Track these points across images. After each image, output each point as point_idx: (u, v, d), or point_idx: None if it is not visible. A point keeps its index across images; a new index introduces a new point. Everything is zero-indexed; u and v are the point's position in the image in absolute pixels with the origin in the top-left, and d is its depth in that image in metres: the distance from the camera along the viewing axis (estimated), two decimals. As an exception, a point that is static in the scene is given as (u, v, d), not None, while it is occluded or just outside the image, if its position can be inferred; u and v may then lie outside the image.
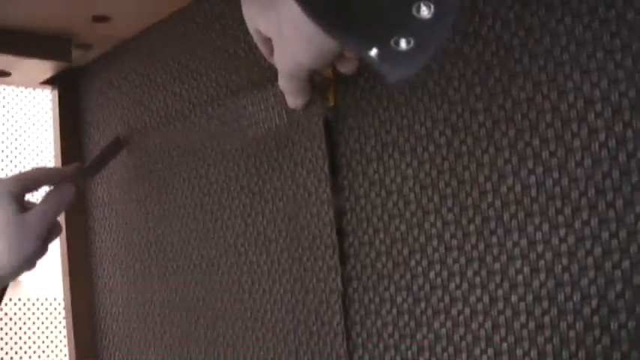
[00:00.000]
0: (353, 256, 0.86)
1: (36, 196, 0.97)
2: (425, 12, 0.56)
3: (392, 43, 0.56)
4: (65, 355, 2.22)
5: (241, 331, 0.99)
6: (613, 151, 0.67)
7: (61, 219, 1.24)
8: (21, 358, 2.21)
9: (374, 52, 0.56)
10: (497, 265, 0.74)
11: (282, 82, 0.81)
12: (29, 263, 0.90)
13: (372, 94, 0.84)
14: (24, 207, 0.91)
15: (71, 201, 0.96)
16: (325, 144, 0.88)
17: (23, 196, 0.92)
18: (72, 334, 1.24)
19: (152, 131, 1.13)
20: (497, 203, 0.74)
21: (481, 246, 0.75)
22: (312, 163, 0.89)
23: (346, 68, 0.81)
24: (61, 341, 2.27)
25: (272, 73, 0.84)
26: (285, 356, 0.93)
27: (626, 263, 0.66)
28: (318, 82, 0.84)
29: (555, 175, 0.70)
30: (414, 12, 0.56)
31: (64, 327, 1.28)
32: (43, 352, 2.27)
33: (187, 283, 1.07)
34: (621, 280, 0.66)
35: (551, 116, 0.70)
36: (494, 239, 0.74)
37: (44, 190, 0.97)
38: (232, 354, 1.00)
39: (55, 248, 1.27)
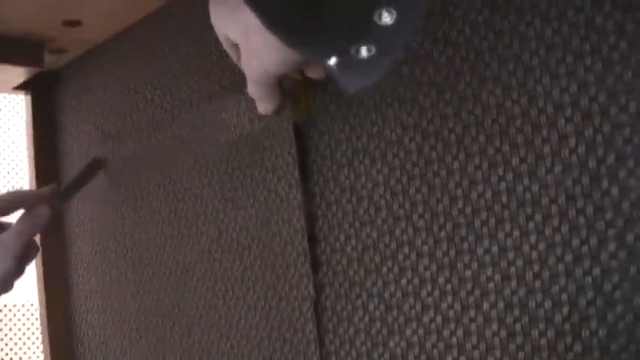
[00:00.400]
0: (325, 262, 0.85)
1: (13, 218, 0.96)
2: (387, 18, 0.55)
3: (352, 51, 0.54)
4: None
5: (216, 338, 0.98)
6: (583, 157, 0.66)
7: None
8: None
9: (333, 61, 0.55)
10: (468, 273, 0.73)
11: (251, 88, 0.80)
12: (5, 284, 0.89)
13: (341, 100, 0.83)
14: (2, 228, 0.91)
15: (47, 222, 0.95)
16: (296, 149, 0.87)
17: None
18: (48, 339, 1.23)
19: (126, 136, 1.12)
20: (468, 210, 0.73)
21: (452, 253, 0.75)
22: (282, 168, 0.88)
23: (315, 74, 0.80)
24: (37, 347, 2.26)
25: (243, 78, 0.83)
26: (259, 363, 0.93)
27: (596, 270, 0.65)
28: (288, 87, 0.83)
29: (526, 181, 0.69)
30: (376, 19, 0.54)
31: (41, 333, 1.27)
32: (20, 358, 2.26)
33: (162, 290, 1.06)
34: (592, 287, 0.65)
35: (521, 121, 0.70)
36: (465, 246, 0.74)
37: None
38: (207, 358, 0.99)
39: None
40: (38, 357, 2.25)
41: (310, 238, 0.86)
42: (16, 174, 2.09)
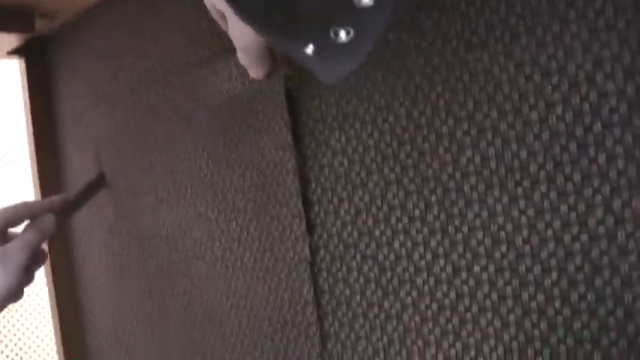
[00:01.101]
0: (319, 225, 0.86)
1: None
2: (366, 0, 0.54)
3: (331, 34, 0.54)
4: (52, 350, 2.24)
5: (216, 298, 0.99)
6: (570, 124, 0.66)
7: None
8: (12, 351, 2.23)
9: (310, 49, 0.54)
10: (459, 236, 0.74)
11: (240, 56, 0.80)
12: (14, 294, 0.90)
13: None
14: (6, 239, 0.92)
15: (53, 232, 0.96)
16: (287, 113, 0.87)
17: (5, 230, 0.92)
18: (58, 327, 1.25)
19: (118, 99, 1.12)
20: (458, 175, 0.74)
21: (443, 217, 0.75)
22: (275, 132, 0.89)
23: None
24: (46, 335, 2.29)
25: (233, 44, 0.82)
26: (259, 322, 0.94)
27: (584, 236, 0.66)
28: (277, 51, 0.83)
29: (514, 147, 0.70)
30: (355, 1, 0.54)
31: (52, 317, 1.29)
32: (29, 347, 2.29)
33: (161, 253, 1.08)
34: (580, 252, 0.66)
35: (509, 88, 0.70)
36: (455, 210, 0.74)
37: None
38: (208, 320, 1.01)
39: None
40: (48, 345, 2.28)
41: (304, 200, 0.87)
42: (18, 139, 2.09)
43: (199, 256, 1.01)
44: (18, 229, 0.96)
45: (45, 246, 0.99)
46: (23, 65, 1.26)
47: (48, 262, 1.24)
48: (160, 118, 1.05)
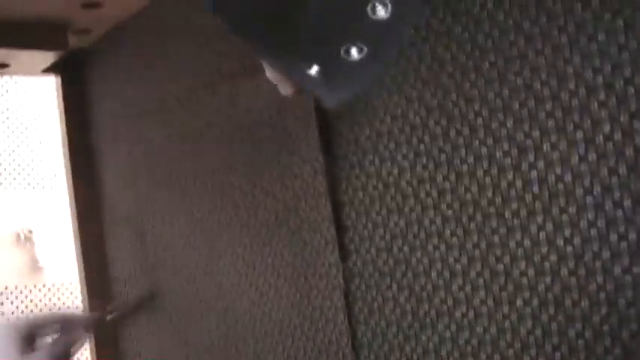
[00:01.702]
0: (354, 251, 0.81)
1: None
2: (381, 12, 0.49)
3: (342, 52, 0.49)
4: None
5: (249, 325, 0.95)
6: (619, 144, 0.60)
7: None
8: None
9: (314, 69, 0.49)
10: (500, 266, 0.69)
11: (269, 71, 0.76)
12: None
13: (366, 82, 0.78)
14: (33, 348, 0.88)
15: (81, 347, 0.93)
16: (318, 133, 0.82)
17: (33, 338, 0.88)
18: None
19: (152, 115, 1.09)
20: (498, 200, 0.68)
21: (483, 245, 0.70)
22: (306, 152, 0.84)
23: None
24: None
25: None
26: (293, 351, 0.89)
27: (637, 268, 0.60)
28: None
29: (558, 170, 0.64)
30: (369, 12, 0.48)
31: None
32: None
33: (195, 276, 1.04)
34: (631, 285, 0.60)
35: (551, 105, 0.64)
36: (496, 238, 0.69)
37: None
38: (242, 345, 0.97)
39: (69, 233, 1.24)
40: None
41: (338, 225, 0.82)
42: (53, 157, 2.07)
43: (232, 282, 0.97)
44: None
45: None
46: (59, 82, 1.23)
47: (79, 253, 1.21)
48: (191, 138, 1.01)
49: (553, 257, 0.65)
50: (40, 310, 1.93)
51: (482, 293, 0.70)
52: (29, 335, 0.88)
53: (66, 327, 0.92)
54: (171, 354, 1.11)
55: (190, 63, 1.01)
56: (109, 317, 1.03)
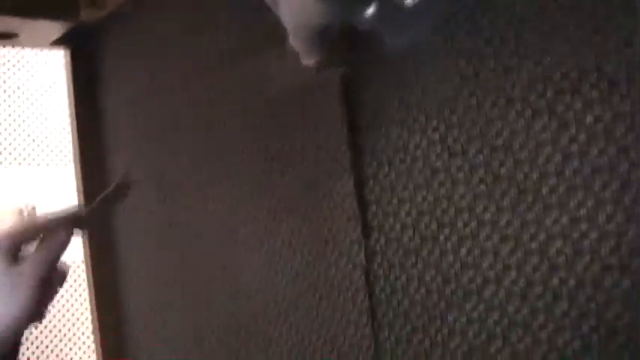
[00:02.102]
0: (377, 228, 0.78)
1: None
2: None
3: None
4: (87, 319, 2.19)
5: (261, 305, 0.92)
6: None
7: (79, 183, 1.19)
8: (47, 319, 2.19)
9: (370, 11, 0.46)
10: (534, 245, 0.65)
11: (292, 41, 0.73)
12: (33, 315, 0.84)
13: (394, 52, 0.75)
14: (18, 261, 0.84)
15: (67, 247, 0.89)
16: (343, 104, 0.79)
17: (16, 249, 0.84)
18: (94, 300, 1.19)
19: (167, 89, 1.05)
20: (535, 175, 0.65)
21: (517, 222, 0.67)
22: (329, 125, 0.81)
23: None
24: (81, 304, 2.25)
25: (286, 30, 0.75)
26: (307, 333, 0.86)
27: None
28: (332, 37, 0.75)
29: (601, 143, 0.61)
30: None
31: (87, 294, 1.23)
32: (63, 316, 2.24)
33: (206, 254, 1.00)
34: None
35: (595, 76, 0.61)
36: (531, 215, 0.65)
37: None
38: (254, 327, 0.94)
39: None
40: (83, 314, 2.23)
41: (360, 200, 0.79)
42: (59, 133, 2.03)
43: (245, 260, 0.93)
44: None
45: (62, 261, 0.92)
46: (68, 56, 1.20)
47: (88, 256, 1.18)
48: (209, 110, 0.98)
49: (593, 235, 0.62)
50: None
51: (513, 273, 0.67)
52: (12, 247, 0.83)
53: (47, 230, 0.89)
54: (178, 332, 1.08)
55: (209, 36, 0.97)
56: (87, 209, 0.99)
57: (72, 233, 0.88)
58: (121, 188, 1.04)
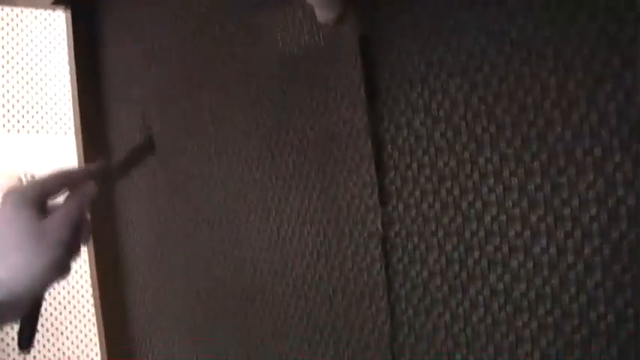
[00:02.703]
0: (395, 194, 0.74)
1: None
2: None
3: None
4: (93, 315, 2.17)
5: (271, 278, 0.88)
6: None
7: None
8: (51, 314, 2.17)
9: None
10: (566, 211, 0.61)
11: None
12: (61, 269, 0.81)
13: (414, 5, 0.70)
14: (45, 212, 0.82)
15: (92, 200, 0.87)
16: (361, 64, 0.75)
17: (44, 201, 0.83)
18: (98, 297, 1.16)
19: (170, 50, 1.01)
20: (568, 135, 0.61)
21: (547, 187, 0.62)
22: (346, 86, 0.76)
23: None
24: (87, 301, 2.23)
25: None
26: (318, 306, 0.82)
27: None
28: None
29: None
30: None
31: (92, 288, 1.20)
32: (70, 312, 2.23)
33: (213, 224, 0.96)
34: None
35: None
36: (563, 179, 0.61)
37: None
38: (262, 302, 0.89)
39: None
40: (89, 311, 2.21)
41: (378, 165, 0.75)
42: (59, 99, 1.98)
43: (253, 228, 0.89)
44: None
45: (88, 215, 0.89)
46: (69, 17, 1.15)
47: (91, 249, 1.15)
48: (215, 72, 0.93)
49: (631, 201, 0.57)
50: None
51: (543, 240, 0.63)
52: (39, 199, 0.82)
53: (73, 182, 0.87)
54: (181, 304, 1.04)
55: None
56: (111, 165, 0.97)
57: (98, 187, 0.86)
58: (141, 150, 1.01)
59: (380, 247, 0.75)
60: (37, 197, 0.81)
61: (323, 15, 0.72)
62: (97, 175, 0.89)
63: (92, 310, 1.23)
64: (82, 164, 1.17)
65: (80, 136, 1.17)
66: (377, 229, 0.75)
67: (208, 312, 0.98)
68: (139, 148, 1.04)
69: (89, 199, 0.86)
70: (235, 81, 0.90)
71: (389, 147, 0.74)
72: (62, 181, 0.86)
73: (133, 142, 1.08)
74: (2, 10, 1.67)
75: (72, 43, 1.17)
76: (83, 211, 0.86)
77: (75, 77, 1.17)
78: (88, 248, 1.16)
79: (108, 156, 1.15)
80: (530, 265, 0.64)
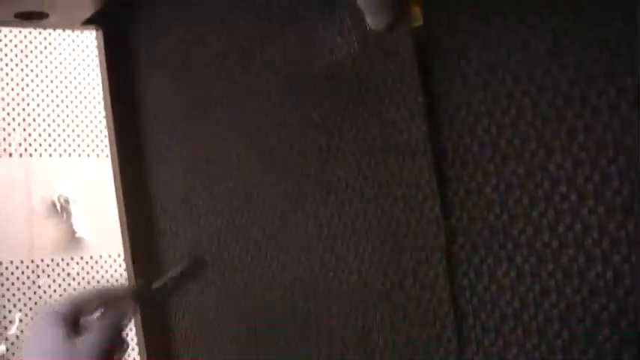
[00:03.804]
0: (458, 206, 0.71)
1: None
2: None
3: None
4: None
5: (323, 297, 0.85)
6: None
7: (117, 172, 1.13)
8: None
9: None
10: (648, 218, 0.58)
11: None
12: None
13: (474, 5, 0.67)
14: (78, 330, 0.81)
15: (129, 320, 0.85)
16: (417, 72, 0.72)
17: (77, 319, 0.81)
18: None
19: (209, 68, 0.98)
20: (646, 137, 0.57)
21: (626, 192, 0.59)
22: (402, 95, 0.74)
23: None
24: None
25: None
26: (376, 325, 0.79)
27: None
28: None
29: None
30: None
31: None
32: None
33: (255, 242, 0.93)
34: None
35: None
36: (643, 184, 0.58)
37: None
38: (315, 324, 0.86)
39: (113, 203, 1.15)
40: None
41: (439, 177, 0.71)
42: (91, 121, 1.96)
43: (303, 246, 0.86)
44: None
45: (125, 335, 0.86)
46: (100, 37, 1.13)
47: (124, 223, 1.12)
48: (255, 88, 0.90)
49: None
50: (79, 284, 1.84)
51: (624, 249, 0.59)
52: (73, 316, 0.81)
53: (110, 301, 0.84)
54: (228, 333, 1.01)
55: (255, 4, 0.90)
56: (154, 285, 0.94)
57: (135, 308, 0.85)
58: (193, 269, 0.98)
59: (444, 262, 0.72)
60: (70, 315, 0.80)
61: (375, 22, 0.69)
62: (137, 295, 0.87)
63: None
64: (119, 187, 1.15)
65: (116, 159, 1.15)
66: (440, 243, 0.72)
67: (260, 342, 0.95)
68: (189, 267, 1.01)
69: (126, 319, 0.85)
70: (280, 98, 0.87)
71: (450, 157, 0.71)
72: (99, 299, 0.84)
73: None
74: (35, 30, 1.66)
75: (105, 64, 1.15)
76: (119, 331, 0.84)
77: (109, 98, 1.14)
78: (123, 243, 1.14)
79: (145, 177, 1.13)
80: (609, 275, 0.60)
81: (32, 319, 0.78)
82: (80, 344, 0.78)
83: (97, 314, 0.84)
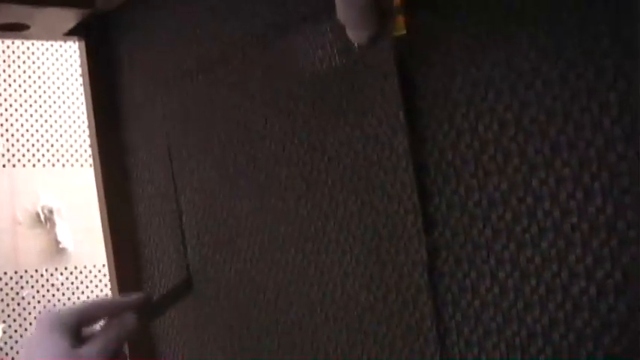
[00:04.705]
0: (441, 221, 0.70)
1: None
2: None
3: None
4: None
5: (306, 310, 0.84)
6: None
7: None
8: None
9: None
10: (632, 233, 0.58)
11: (341, 12, 0.66)
12: None
13: (456, 19, 0.67)
14: (81, 340, 0.81)
15: (132, 333, 0.85)
16: (399, 85, 0.71)
17: (79, 330, 0.81)
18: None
19: (192, 80, 0.97)
20: (631, 153, 0.57)
21: (609, 210, 0.59)
22: (383, 109, 0.73)
23: None
24: None
25: (327, 3, 0.68)
26: (360, 339, 0.79)
27: None
28: (385, 7, 0.67)
29: None
30: None
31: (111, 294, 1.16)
32: None
33: (243, 253, 0.93)
34: None
35: None
36: (627, 199, 0.58)
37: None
38: (299, 336, 0.86)
39: (97, 213, 1.14)
40: None
41: (421, 192, 0.71)
42: (75, 131, 1.95)
43: (287, 260, 0.86)
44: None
45: (126, 348, 0.86)
46: (83, 47, 1.12)
47: (108, 234, 1.12)
48: (240, 99, 0.90)
49: None
50: (63, 294, 1.83)
51: (607, 265, 0.59)
52: (76, 325, 0.81)
53: (114, 312, 0.85)
54: (213, 346, 1.00)
55: (236, 15, 0.90)
56: (155, 298, 0.94)
57: (138, 320, 0.85)
58: (180, 289, 0.99)
59: (425, 277, 0.71)
60: (73, 323, 0.80)
61: (356, 35, 0.69)
62: (138, 307, 0.87)
63: None
64: (102, 197, 1.14)
65: (99, 169, 1.14)
66: (421, 257, 0.71)
67: (245, 355, 0.94)
68: (178, 288, 1.02)
69: (129, 331, 0.84)
70: (265, 109, 0.87)
71: (432, 172, 0.70)
72: (102, 310, 0.85)
73: (155, 179, 1.05)
74: (16, 42, 1.65)
75: (87, 73, 1.14)
76: (121, 343, 0.84)
77: (91, 108, 1.14)
78: (106, 253, 1.14)
79: (128, 187, 1.12)
80: (592, 291, 0.60)
81: (37, 323, 0.78)
82: (84, 353, 0.78)
83: (99, 325, 0.84)
